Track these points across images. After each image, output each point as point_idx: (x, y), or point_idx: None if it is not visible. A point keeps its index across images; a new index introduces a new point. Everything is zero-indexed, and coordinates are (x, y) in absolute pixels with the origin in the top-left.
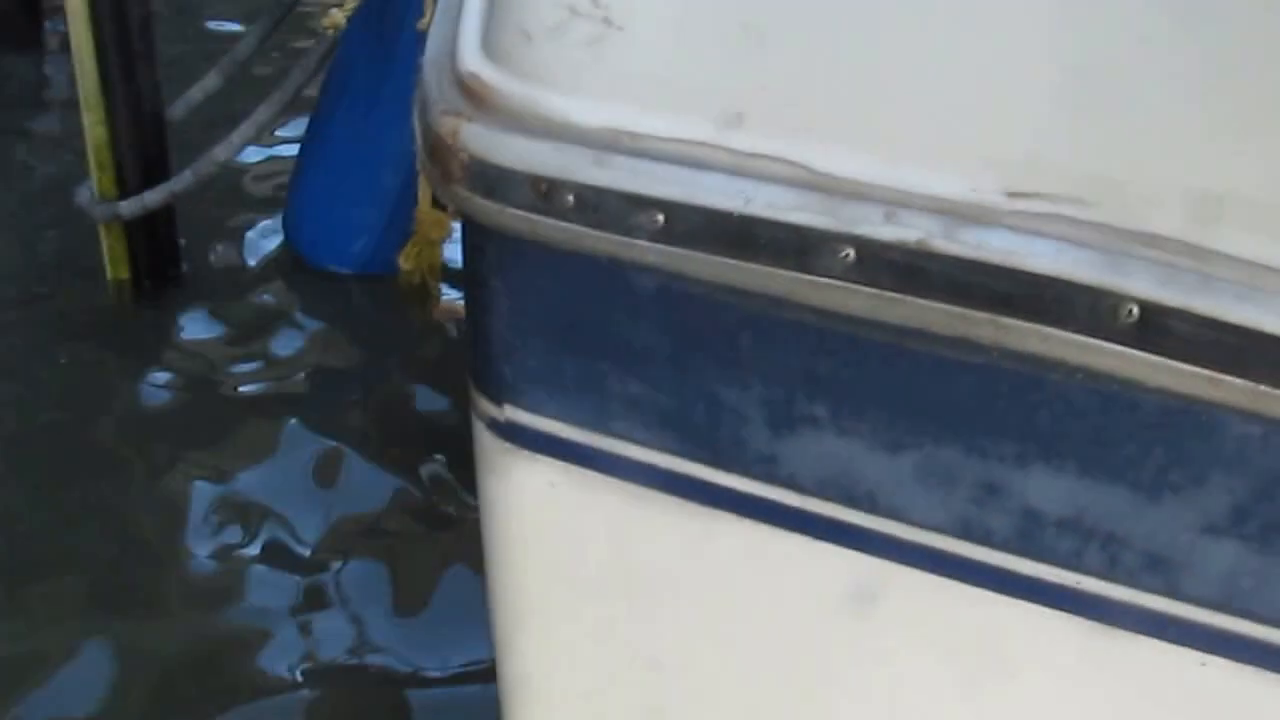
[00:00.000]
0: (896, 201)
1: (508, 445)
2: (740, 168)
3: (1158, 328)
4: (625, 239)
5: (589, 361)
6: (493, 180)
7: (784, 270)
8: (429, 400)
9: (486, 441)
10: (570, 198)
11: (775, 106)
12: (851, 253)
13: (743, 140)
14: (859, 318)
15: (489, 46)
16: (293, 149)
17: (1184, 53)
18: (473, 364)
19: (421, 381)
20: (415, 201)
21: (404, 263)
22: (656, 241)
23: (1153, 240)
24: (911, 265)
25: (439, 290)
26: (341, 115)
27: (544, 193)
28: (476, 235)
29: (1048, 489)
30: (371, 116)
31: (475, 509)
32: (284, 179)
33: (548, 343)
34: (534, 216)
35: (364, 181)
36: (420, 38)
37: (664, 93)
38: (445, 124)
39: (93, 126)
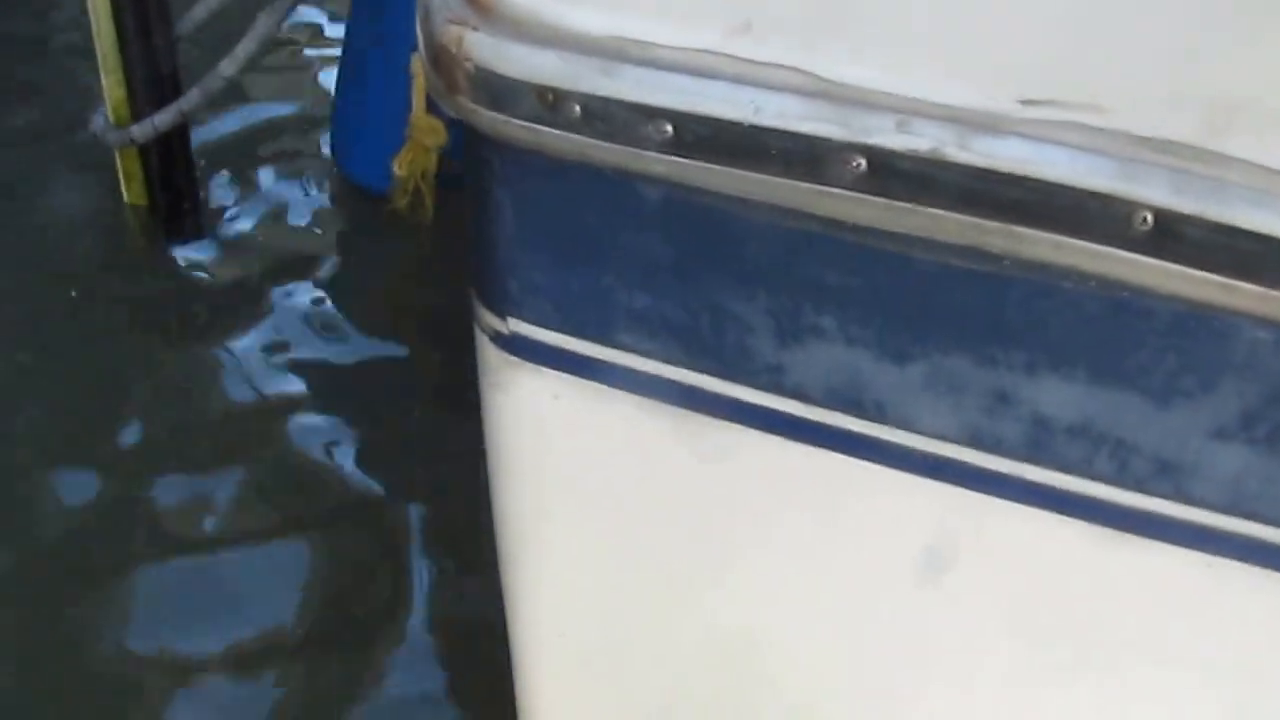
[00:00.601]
0: (908, 110)
1: (512, 358)
2: (749, 76)
3: (1172, 235)
4: (632, 150)
5: (594, 273)
6: (498, 90)
7: (794, 180)
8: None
9: (490, 354)
10: (576, 108)
11: (784, 13)
12: (863, 162)
13: (751, 48)
14: (869, 228)
15: None
16: None
17: None
18: (476, 276)
19: (433, 296)
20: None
21: (398, 169)
22: (664, 152)
23: (1167, 147)
24: (923, 175)
25: (434, 195)
26: (360, 29)
27: (550, 103)
28: (480, 146)
29: (1057, 396)
30: (380, 32)
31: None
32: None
33: (552, 255)
34: (539, 127)
35: (380, 99)
36: None
37: (671, 0)
38: (449, 33)
39: (111, 88)
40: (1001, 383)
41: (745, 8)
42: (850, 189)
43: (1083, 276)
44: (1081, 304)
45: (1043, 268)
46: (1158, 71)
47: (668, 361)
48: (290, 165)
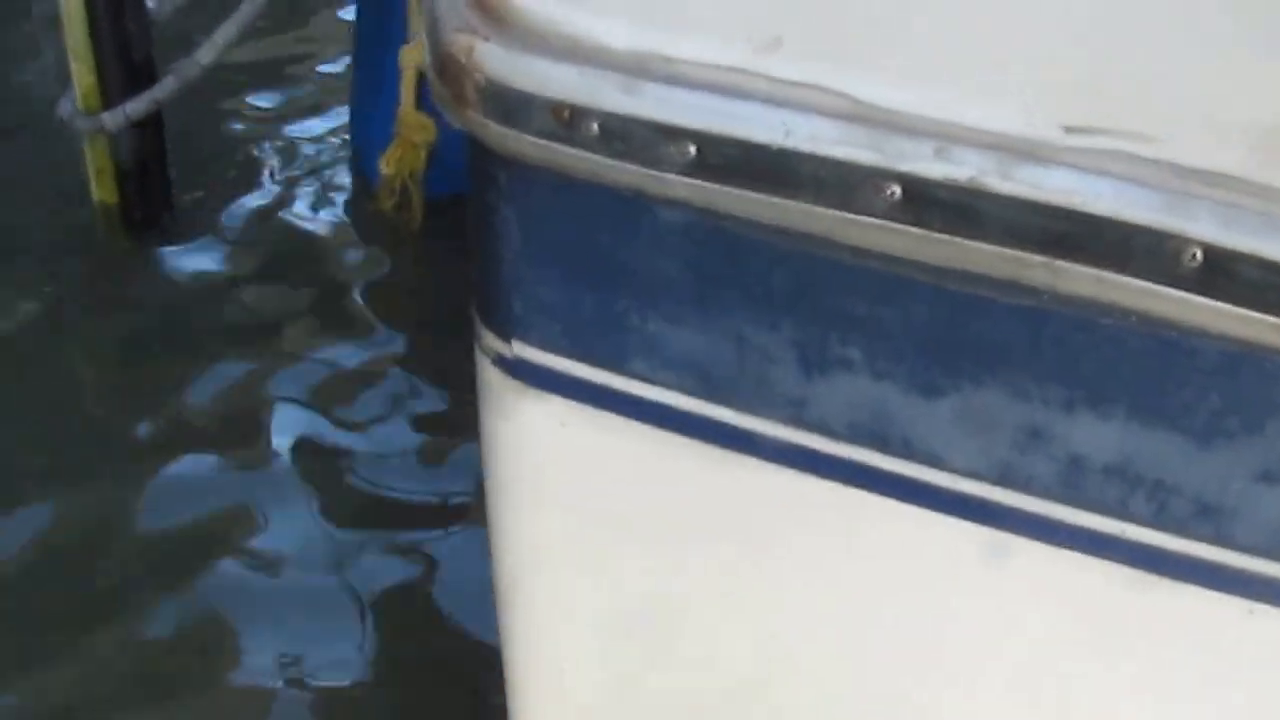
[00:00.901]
0: (947, 136)
1: (516, 383)
2: (779, 97)
3: (1222, 272)
4: (653, 172)
5: (607, 297)
6: (510, 105)
7: (824, 208)
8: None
9: (493, 379)
10: (594, 126)
11: (817, 30)
12: (898, 190)
13: (782, 66)
14: (902, 258)
15: None
16: None
17: None
18: (479, 296)
19: (423, 311)
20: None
21: (385, 168)
22: (687, 175)
23: (1218, 179)
24: (962, 205)
25: (422, 197)
26: (367, 29)
27: (566, 120)
28: (488, 162)
29: (1094, 435)
30: (386, 31)
31: None
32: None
33: (563, 276)
34: (554, 145)
35: (388, 99)
36: None
37: (698, 13)
38: (459, 42)
39: (81, 75)
40: (1036, 420)
41: (776, 24)
42: (884, 218)
43: (1126, 313)
44: (1123, 340)
45: (1084, 303)
46: (1208, 99)
47: (683, 391)
48: (298, 158)
